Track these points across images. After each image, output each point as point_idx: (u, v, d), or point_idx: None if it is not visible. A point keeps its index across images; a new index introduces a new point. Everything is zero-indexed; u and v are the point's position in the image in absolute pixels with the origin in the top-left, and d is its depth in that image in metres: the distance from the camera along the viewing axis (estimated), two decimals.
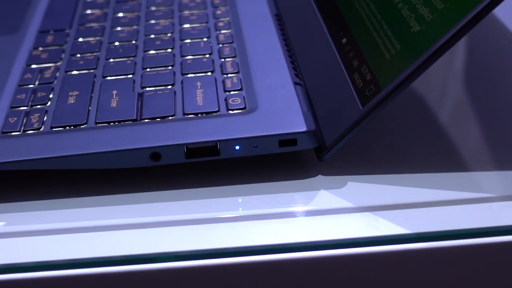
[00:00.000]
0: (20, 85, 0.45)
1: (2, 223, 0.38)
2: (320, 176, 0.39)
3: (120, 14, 0.53)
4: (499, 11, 0.56)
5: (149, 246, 0.36)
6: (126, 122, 0.40)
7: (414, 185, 0.38)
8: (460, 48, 0.54)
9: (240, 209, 0.38)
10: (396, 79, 0.36)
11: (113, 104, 0.42)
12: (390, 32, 0.39)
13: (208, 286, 0.36)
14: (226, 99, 0.41)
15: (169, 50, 0.47)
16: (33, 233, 0.37)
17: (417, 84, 0.48)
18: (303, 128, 0.38)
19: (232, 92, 0.42)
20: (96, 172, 0.40)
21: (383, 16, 0.40)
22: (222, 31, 0.49)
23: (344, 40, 0.43)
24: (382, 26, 0.40)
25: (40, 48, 0.49)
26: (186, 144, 0.38)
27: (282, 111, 0.40)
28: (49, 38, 0.50)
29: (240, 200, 0.39)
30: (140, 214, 0.38)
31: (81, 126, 0.40)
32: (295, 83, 0.42)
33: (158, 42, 0.48)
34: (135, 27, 0.51)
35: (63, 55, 0.48)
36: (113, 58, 0.47)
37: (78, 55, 0.48)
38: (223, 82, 0.43)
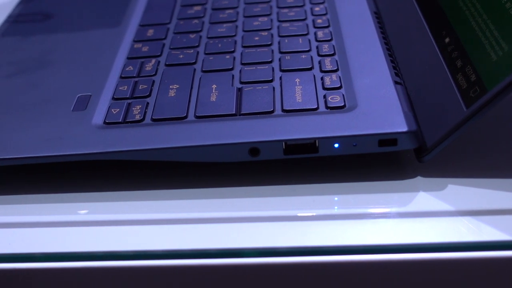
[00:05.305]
0: (122, 77, 0.46)
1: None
2: (419, 178, 0.39)
3: (219, 10, 0.54)
4: None
5: (244, 241, 0.36)
6: (225, 117, 0.40)
7: None
8: None
9: (336, 207, 0.38)
10: (504, 80, 0.35)
11: (213, 98, 0.42)
12: (497, 33, 0.38)
13: (301, 284, 0.36)
14: (325, 97, 0.41)
15: (268, 46, 0.48)
16: (133, 223, 0.38)
17: None
18: (404, 128, 0.38)
19: (331, 90, 0.42)
20: (192, 166, 0.40)
21: (489, 16, 0.39)
22: (321, 28, 0.49)
23: (447, 40, 0.42)
24: (489, 26, 0.39)
25: (141, 42, 0.50)
26: (285, 140, 0.38)
27: (382, 110, 0.39)
28: (150, 32, 0.51)
29: (336, 198, 0.39)
30: (236, 209, 0.38)
31: (182, 119, 0.41)
32: (396, 82, 0.42)
33: (256, 38, 0.49)
34: (233, 22, 0.51)
35: (163, 49, 0.49)
36: (212, 53, 0.47)
37: (178, 49, 0.48)
38: (322, 79, 0.43)
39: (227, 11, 0.53)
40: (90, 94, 0.44)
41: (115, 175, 0.41)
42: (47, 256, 0.36)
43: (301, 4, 0.53)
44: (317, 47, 0.47)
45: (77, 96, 0.44)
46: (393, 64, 0.44)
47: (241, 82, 0.44)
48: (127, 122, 0.41)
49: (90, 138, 0.40)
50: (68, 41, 0.53)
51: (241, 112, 0.41)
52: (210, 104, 0.42)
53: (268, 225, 0.37)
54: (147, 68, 0.46)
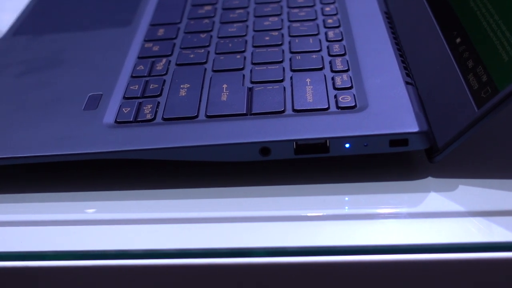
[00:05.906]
0: (133, 76, 0.46)
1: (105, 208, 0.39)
2: (430, 178, 0.39)
3: (229, 10, 0.54)
4: None
5: (254, 240, 0.36)
6: (236, 116, 0.40)
7: None
8: None
9: (347, 207, 0.38)
10: None
11: (223, 98, 0.42)
12: (508, 33, 0.38)
13: (311, 284, 0.36)
14: (336, 97, 0.41)
15: (278, 46, 0.48)
16: (143, 222, 0.38)
17: None
18: (415, 129, 0.38)
19: (342, 90, 0.42)
20: (203, 165, 0.40)
21: (501, 17, 0.39)
22: (331, 28, 0.49)
23: (458, 40, 0.42)
24: (500, 26, 0.39)
25: (152, 41, 0.50)
26: (296, 140, 0.38)
27: (393, 110, 0.39)
28: (161, 31, 0.52)
29: (347, 198, 0.38)
30: (246, 208, 0.38)
31: (192, 119, 0.41)
32: (407, 83, 0.42)
33: (267, 38, 0.49)
34: (244, 22, 0.51)
35: (174, 48, 0.49)
36: (222, 53, 0.47)
37: (189, 49, 0.49)
38: (333, 79, 0.43)
39: (238, 11, 0.53)
40: (101, 93, 0.44)
41: (125, 174, 0.41)
42: (57, 254, 0.37)
43: (312, 4, 0.53)
44: (327, 47, 0.47)
45: (88, 95, 0.44)
46: (404, 64, 0.44)
47: (252, 82, 0.44)
48: (138, 122, 0.41)
49: (101, 137, 0.40)
50: (79, 40, 0.53)
51: (252, 112, 0.41)
52: (221, 103, 0.42)
53: (278, 225, 0.37)
54: (158, 68, 0.47)
